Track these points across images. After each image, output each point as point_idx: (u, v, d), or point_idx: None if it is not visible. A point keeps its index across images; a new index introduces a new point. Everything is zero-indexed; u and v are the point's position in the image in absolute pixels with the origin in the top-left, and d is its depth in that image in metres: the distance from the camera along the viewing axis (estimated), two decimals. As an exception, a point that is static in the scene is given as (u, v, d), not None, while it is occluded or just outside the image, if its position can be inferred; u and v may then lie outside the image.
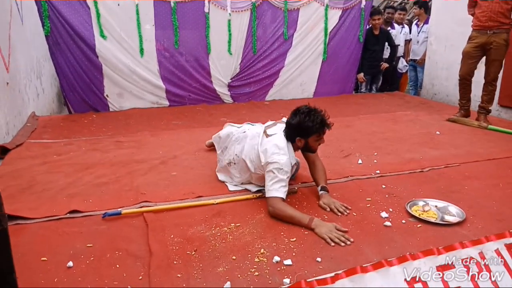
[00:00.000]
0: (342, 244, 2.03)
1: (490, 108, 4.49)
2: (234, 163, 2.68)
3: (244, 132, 2.74)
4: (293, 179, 2.82)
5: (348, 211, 2.36)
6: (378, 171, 2.99)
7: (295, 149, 2.52)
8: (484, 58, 4.43)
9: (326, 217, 2.30)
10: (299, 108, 2.46)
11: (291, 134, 2.47)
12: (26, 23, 4.68)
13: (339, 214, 2.33)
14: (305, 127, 2.39)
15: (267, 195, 2.34)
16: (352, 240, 2.07)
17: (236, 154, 2.66)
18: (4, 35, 3.83)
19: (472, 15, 4.47)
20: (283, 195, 2.31)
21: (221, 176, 2.86)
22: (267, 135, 2.53)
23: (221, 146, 2.89)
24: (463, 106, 4.67)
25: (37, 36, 4.98)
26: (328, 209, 2.38)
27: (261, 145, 2.48)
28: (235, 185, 2.72)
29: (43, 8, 4.60)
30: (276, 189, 2.30)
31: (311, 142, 2.47)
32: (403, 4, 9.45)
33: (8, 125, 3.68)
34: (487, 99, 4.44)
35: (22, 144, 3.61)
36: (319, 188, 2.55)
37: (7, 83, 3.76)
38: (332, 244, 2.03)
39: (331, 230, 2.11)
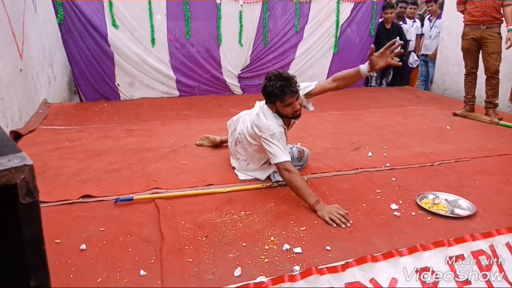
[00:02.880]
0: (343, 225, 2.10)
1: (496, 101, 4.53)
2: (239, 141, 2.72)
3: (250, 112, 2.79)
4: (302, 169, 2.83)
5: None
6: (388, 164, 2.99)
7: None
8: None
9: (336, 206, 2.30)
10: (268, 73, 2.46)
11: (265, 101, 2.50)
12: (39, 11, 4.72)
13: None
14: (267, 93, 2.40)
15: (273, 162, 2.38)
16: (351, 222, 2.13)
17: (239, 133, 2.71)
18: (18, 22, 3.86)
19: (462, 12, 4.56)
20: (289, 158, 2.37)
21: (231, 160, 2.90)
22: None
23: (231, 129, 2.93)
24: (468, 101, 4.71)
25: (49, 24, 5.02)
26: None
27: (254, 114, 2.54)
28: (245, 174, 2.74)
29: (57, -4, 4.63)
30: (281, 154, 2.34)
31: (279, 107, 2.41)
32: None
33: (21, 111, 3.72)
34: (492, 93, 4.49)
35: (35, 130, 3.66)
36: (362, 68, 2.41)
37: (21, 69, 3.80)
38: (334, 225, 2.11)
39: (331, 212, 2.16)
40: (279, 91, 2.32)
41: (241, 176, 2.72)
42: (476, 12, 4.32)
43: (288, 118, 2.51)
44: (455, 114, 4.67)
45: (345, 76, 2.51)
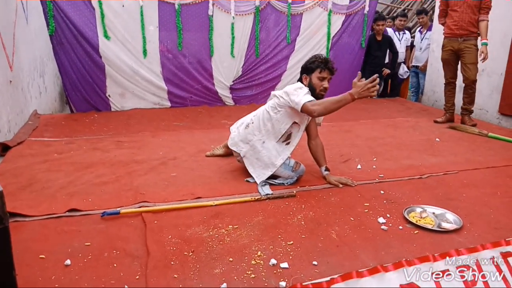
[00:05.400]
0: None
1: (472, 109, 4.80)
2: (252, 123, 2.93)
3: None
4: (294, 183, 2.85)
5: (355, 183, 2.85)
6: (382, 175, 3.03)
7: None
8: None
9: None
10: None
11: (300, 75, 2.89)
12: (31, 23, 4.71)
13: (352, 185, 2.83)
14: (309, 63, 2.83)
15: (300, 105, 2.62)
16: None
17: (254, 115, 2.97)
18: (8, 34, 3.85)
19: (442, 24, 4.82)
20: (312, 98, 2.66)
21: (236, 150, 2.95)
22: None
23: (236, 126, 3.08)
24: (448, 109, 4.95)
25: (41, 35, 5.01)
26: (341, 185, 2.81)
27: (281, 91, 2.85)
28: (258, 172, 2.82)
29: (48, 8, 4.64)
30: (305, 96, 2.64)
31: (314, 79, 2.79)
32: (405, 11, 9.47)
33: (10, 123, 3.70)
34: (468, 101, 4.76)
35: (23, 142, 3.63)
36: (323, 168, 2.92)
37: (10, 81, 3.78)
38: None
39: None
40: (322, 62, 2.78)
41: (258, 180, 2.79)
42: (454, 26, 4.56)
43: (314, 95, 2.76)
44: (436, 122, 4.89)
45: (315, 154, 2.96)
